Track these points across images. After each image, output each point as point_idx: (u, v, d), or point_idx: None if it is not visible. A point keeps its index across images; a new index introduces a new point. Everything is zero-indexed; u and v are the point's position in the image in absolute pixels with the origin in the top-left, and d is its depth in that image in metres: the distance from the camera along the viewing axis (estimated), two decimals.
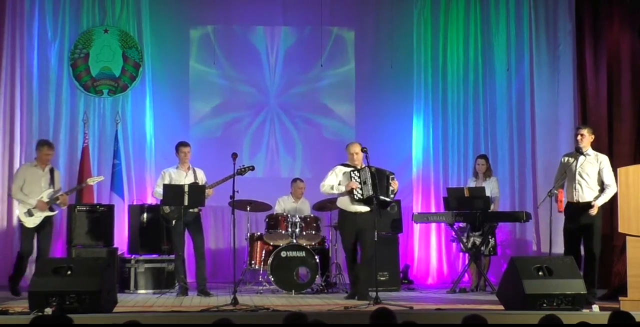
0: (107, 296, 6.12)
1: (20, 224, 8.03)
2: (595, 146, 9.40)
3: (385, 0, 10.44)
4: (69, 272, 6.12)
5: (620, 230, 6.77)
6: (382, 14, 10.44)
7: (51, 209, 8.04)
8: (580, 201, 7.29)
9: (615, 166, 7.32)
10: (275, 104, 10.39)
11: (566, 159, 7.54)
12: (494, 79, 10.23)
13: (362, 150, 7.35)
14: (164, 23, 10.21)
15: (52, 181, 8.08)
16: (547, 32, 10.03)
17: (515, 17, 10.18)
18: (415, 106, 10.30)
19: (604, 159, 7.40)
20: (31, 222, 7.93)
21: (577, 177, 7.31)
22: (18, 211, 8.01)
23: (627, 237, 6.66)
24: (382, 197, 7.49)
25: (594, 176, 7.33)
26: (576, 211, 7.28)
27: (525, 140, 9.99)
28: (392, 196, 7.70)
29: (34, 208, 7.90)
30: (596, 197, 7.26)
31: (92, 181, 8.43)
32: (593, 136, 7.53)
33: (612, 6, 9.56)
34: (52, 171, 8.15)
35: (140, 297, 7.92)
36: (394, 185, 7.68)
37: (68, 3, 9.89)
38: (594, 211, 7.21)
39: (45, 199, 7.95)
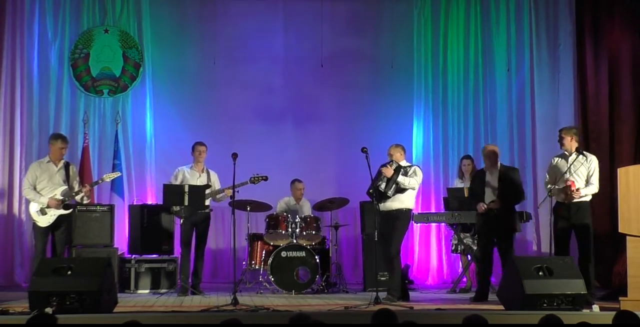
0: (107, 296, 6.11)
1: (34, 224, 7.79)
2: (595, 147, 9.47)
3: (385, 0, 10.46)
4: (69, 272, 6.11)
5: (620, 230, 6.77)
6: (382, 14, 10.44)
7: (66, 207, 7.79)
8: (573, 201, 7.30)
9: (615, 166, 7.34)
10: (276, 105, 10.39)
11: (556, 160, 7.56)
12: (494, 79, 10.24)
13: (362, 151, 7.34)
14: (164, 23, 10.22)
15: (67, 177, 7.83)
16: (547, 32, 10.05)
17: (515, 17, 10.19)
18: (415, 106, 10.30)
19: (594, 159, 7.41)
20: (45, 221, 7.69)
21: (568, 177, 7.30)
22: (30, 210, 7.78)
23: (627, 237, 6.66)
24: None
25: (583, 176, 7.35)
26: (567, 211, 7.29)
27: (525, 140, 10.00)
28: (380, 183, 7.44)
29: (46, 207, 7.67)
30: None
31: (108, 177, 8.33)
32: (574, 136, 7.51)
33: (613, 6, 9.58)
34: (67, 166, 7.90)
35: (140, 297, 7.92)
36: (383, 172, 7.48)
37: (68, 3, 9.90)
38: (577, 194, 7.20)
39: (59, 197, 7.72)
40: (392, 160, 7.60)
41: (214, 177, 8.45)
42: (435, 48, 10.33)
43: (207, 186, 8.18)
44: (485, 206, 7.57)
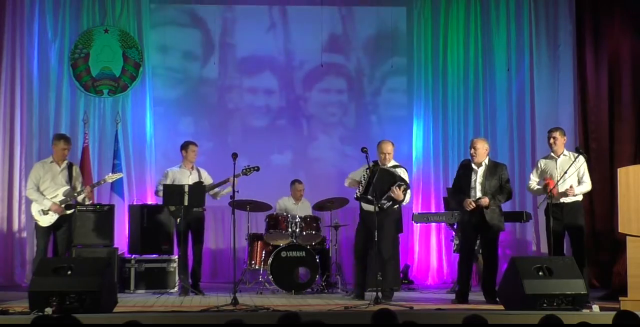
0: (107, 296, 6.12)
1: (35, 223, 7.87)
2: (595, 146, 9.47)
3: (386, 0, 10.46)
4: (69, 272, 6.12)
5: (620, 230, 6.77)
6: (382, 13, 10.45)
7: (68, 207, 7.86)
8: (566, 201, 7.30)
9: (615, 166, 7.33)
10: (275, 105, 10.39)
11: (544, 162, 7.54)
12: (494, 79, 10.23)
13: (362, 151, 7.32)
14: (164, 23, 10.23)
15: (70, 177, 7.90)
16: (547, 32, 10.05)
17: (515, 17, 10.19)
18: (415, 106, 10.29)
19: (581, 158, 7.38)
20: (46, 221, 7.76)
21: (559, 178, 7.28)
22: (32, 210, 7.85)
23: (627, 237, 6.66)
24: (369, 197, 7.21)
25: (574, 176, 7.34)
26: (561, 212, 7.28)
27: (525, 140, 10.00)
28: (384, 201, 7.26)
29: (48, 210, 7.75)
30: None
31: (110, 178, 8.36)
32: (566, 137, 7.53)
33: (613, 6, 9.57)
34: (70, 167, 7.96)
35: (140, 297, 7.92)
36: (394, 193, 7.26)
37: (68, 3, 9.90)
38: (571, 192, 7.19)
39: (61, 198, 7.76)
40: (400, 183, 7.31)
41: (204, 173, 8.44)
42: (435, 48, 10.32)
43: (201, 183, 8.20)
44: (474, 203, 7.27)
